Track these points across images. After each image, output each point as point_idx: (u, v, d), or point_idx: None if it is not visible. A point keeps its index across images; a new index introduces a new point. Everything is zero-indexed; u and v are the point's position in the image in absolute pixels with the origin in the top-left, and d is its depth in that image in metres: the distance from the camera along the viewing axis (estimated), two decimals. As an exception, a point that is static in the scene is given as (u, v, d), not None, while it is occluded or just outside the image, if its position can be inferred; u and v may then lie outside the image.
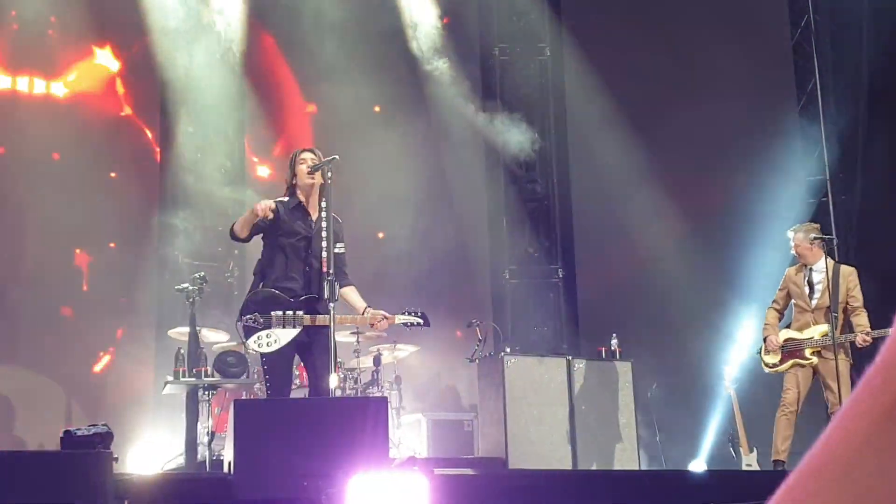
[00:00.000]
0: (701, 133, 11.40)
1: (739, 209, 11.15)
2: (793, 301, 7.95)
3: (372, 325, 6.21)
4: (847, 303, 7.67)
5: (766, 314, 8.11)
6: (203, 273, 9.17)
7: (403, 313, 6.29)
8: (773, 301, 8.06)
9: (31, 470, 4.37)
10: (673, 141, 11.55)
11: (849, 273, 7.78)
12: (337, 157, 6.14)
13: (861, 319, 7.63)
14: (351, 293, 6.26)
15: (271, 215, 5.99)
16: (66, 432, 4.77)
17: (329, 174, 6.10)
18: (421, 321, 6.32)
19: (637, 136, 11.46)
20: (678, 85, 11.38)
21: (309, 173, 6.21)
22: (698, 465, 9.48)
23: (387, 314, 6.17)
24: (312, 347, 6.09)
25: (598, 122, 11.45)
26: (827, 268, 7.76)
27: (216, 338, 9.45)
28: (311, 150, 6.37)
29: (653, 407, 9.70)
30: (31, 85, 10.44)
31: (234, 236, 6.21)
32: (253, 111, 11.38)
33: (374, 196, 11.26)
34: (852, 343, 7.61)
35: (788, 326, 7.98)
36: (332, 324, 5.89)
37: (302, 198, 6.26)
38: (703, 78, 11.43)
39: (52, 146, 10.36)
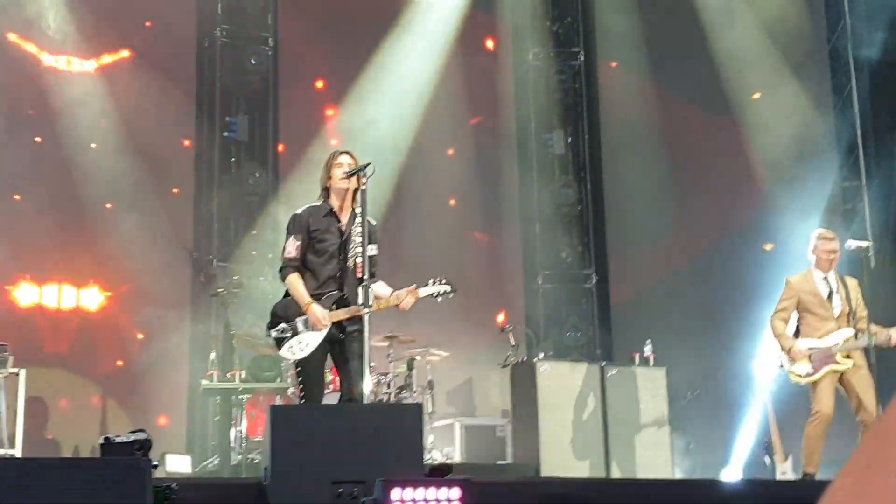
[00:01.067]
0: (734, 137, 11.36)
1: (774, 214, 11.09)
2: (803, 310, 7.79)
3: (398, 306, 6.15)
4: (856, 311, 7.69)
5: (773, 325, 7.79)
6: (237, 277, 9.24)
7: (426, 285, 6.22)
8: (779, 311, 7.80)
9: (71, 477, 4.41)
10: (706, 145, 11.51)
11: (855, 284, 7.81)
12: (371, 163, 6.12)
13: (872, 325, 7.64)
14: (377, 286, 6.25)
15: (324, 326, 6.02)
16: (106, 439, 4.81)
17: (364, 180, 6.09)
18: (448, 288, 6.21)
19: (670, 140, 11.43)
20: (712, 89, 11.33)
21: (343, 178, 6.21)
22: (732, 474, 9.43)
23: (410, 289, 6.14)
24: (346, 351, 6.10)
25: (632, 127, 11.43)
26: (837, 276, 7.77)
27: (250, 341, 9.50)
28: (347, 153, 6.36)
29: (687, 414, 9.65)
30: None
31: (281, 277, 6.26)
32: (285, 114, 11.41)
33: (407, 200, 11.29)
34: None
35: (795, 335, 7.83)
36: (366, 330, 5.89)
37: (335, 201, 6.26)
38: (737, 82, 11.37)
39: (90, 140, 10.46)
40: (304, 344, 6.02)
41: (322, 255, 6.18)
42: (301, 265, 6.20)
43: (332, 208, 6.24)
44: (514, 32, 11.86)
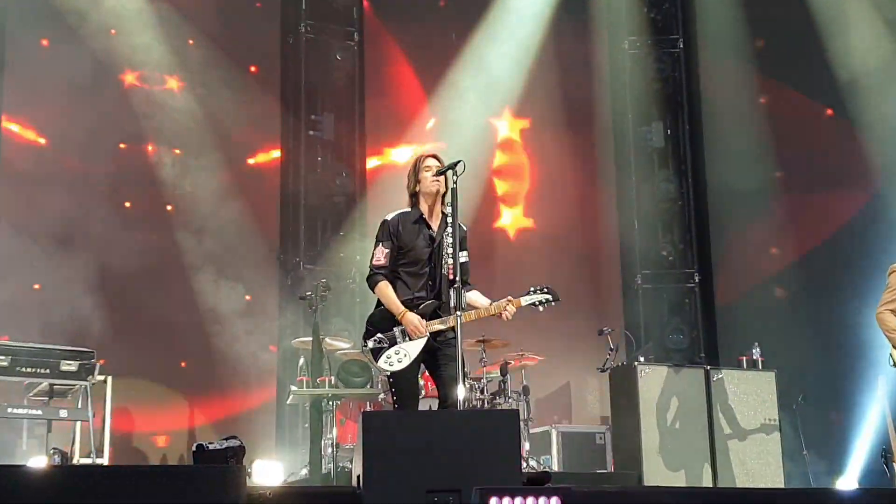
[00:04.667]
0: (845, 128, 11.16)
1: (888, 210, 10.90)
2: None
3: (500, 315, 6.20)
4: None
5: (882, 320, 7.57)
6: (325, 280, 9.36)
7: (528, 293, 6.27)
8: (887, 304, 7.69)
9: (166, 484, 4.54)
10: (816, 136, 11.33)
11: None
12: (462, 160, 6.17)
13: None
14: (474, 295, 6.32)
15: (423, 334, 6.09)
16: (199, 446, 4.92)
17: (454, 179, 6.13)
18: (550, 297, 6.25)
19: (777, 131, 11.27)
20: (821, 77, 11.15)
21: (434, 177, 6.27)
22: (848, 483, 9.29)
23: (511, 297, 6.19)
24: (439, 357, 6.16)
25: (736, 116, 11.28)
26: None
27: (339, 346, 9.63)
28: (433, 156, 6.44)
29: (799, 420, 9.53)
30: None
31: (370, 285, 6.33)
32: (372, 111, 11.52)
33: (497, 196, 11.32)
34: None
35: None
36: (458, 333, 5.94)
37: (425, 206, 6.33)
38: (849, 69, 11.17)
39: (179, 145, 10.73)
40: (402, 355, 6.09)
41: (414, 264, 6.24)
42: (391, 273, 6.27)
43: (421, 214, 6.30)
44: (608, 19, 11.81)
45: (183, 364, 10.66)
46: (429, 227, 6.29)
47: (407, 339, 6.10)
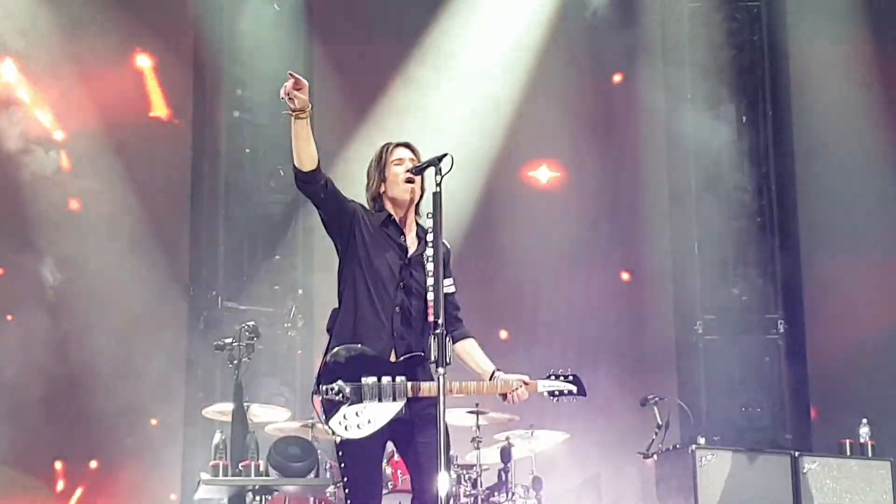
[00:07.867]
0: None
1: None
2: None
3: (504, 397, 6.25)
4: None
5: None
6: (253, 323, 9.36)
7: (549, 377, 6.33)
8: None
9: None
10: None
11: None
12: (450, 154, 6.18)
13: None
14: (471, 350, 6.32)
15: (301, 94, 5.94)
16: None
17: (439, 180, 6.14)
18: (574, 389, 6.33)
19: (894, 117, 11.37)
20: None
21: (408, 179, 6.28)
22: None
23: (527, 379, 6.23)
24: (414, 433, 6.15)
25: (840, 97, 11.35)
26: None
27: (272, 417, 9.62)
28: (407, 145, 6.44)
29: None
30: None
31: (300, 176, 6.20)
32: (324, 87, 11.57)
33: (500, 218, 11.39)
34: None
35: None
36: (440, 395, 5.94)
37: (394, 213, 6.36)
38: None
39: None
40: (366, 419, 6.06)
41: (372, 284, 6.24)
42: (345, 299, 6.27)
43: (391, 216, 6.33)
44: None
45: (45, 445, 10.66)
46: (402, 234, 6.31)
47: (377, 399, 6.08)
